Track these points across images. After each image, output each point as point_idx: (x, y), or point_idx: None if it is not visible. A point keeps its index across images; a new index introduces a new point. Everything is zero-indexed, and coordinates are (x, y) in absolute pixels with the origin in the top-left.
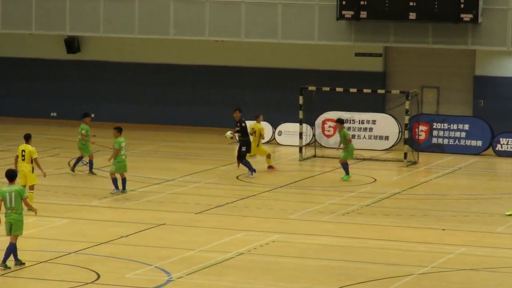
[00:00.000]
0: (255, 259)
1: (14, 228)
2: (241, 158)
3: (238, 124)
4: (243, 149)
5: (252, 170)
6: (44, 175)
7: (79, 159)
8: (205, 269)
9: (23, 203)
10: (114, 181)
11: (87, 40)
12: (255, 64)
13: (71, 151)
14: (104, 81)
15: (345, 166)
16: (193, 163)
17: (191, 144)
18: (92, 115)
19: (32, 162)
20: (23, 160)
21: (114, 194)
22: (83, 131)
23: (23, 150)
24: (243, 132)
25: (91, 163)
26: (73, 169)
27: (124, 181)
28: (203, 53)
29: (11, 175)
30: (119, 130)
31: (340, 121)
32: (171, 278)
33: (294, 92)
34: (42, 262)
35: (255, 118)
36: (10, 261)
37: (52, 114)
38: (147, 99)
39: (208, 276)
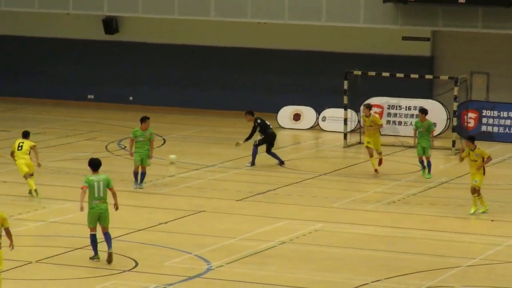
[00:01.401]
0: (297, 248)
1: (104, 219)
2: (268, 151)
3: (255, 124)
4: (258, 142)
5: (252, 162)
6: (39, 165)
7: None
8: (245, 258)
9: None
10: (134, 174)
11: (126, 21)
12: (298, 47)
13: (108, 135)
14: (142, 63)
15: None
16: (233, 148)
17: (232, 129)
18: (130, 98)
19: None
20: (20, 150)
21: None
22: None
23: (21, 142)
24: (262, 128)
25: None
26: None
27: (142, 175)
28: (244, 35)
29: (97, 164)
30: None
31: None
32: (211, 266)
33: (339, 77)
34: (79, 248)
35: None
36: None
37: (89, 96)
38: (185, 82)
39: (248, 265)
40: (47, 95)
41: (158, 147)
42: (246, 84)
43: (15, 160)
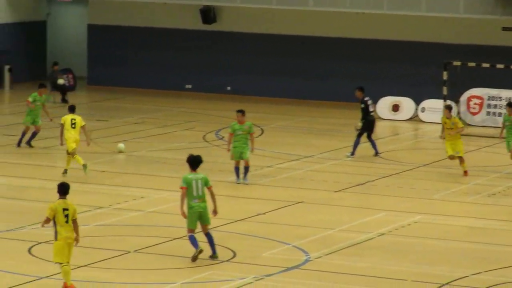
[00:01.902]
0: (396, 240)
1: (205, 218)
2: (359, 135)
3: (362, 101)
4: (360, 130)
5: (352, 152)
6: (88, 144)
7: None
8: (344, 250)
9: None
10: (235, 170)
11: (224, 10)
12: (397, 38)
13: (205, 125)
14: (239, 53)
15: None
16: (332, 139)
17: (330, 119)
18: (228, 88)
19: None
20: (73, 128)
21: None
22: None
23: (73, 119)
24: (365, 110)
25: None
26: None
27: (246, 170)
28: (343, 26)
29: (198, 162)
30: (241, 113)
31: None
32: (309, 258)
33: (438, 67)
34: (177, 238)
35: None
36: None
37: (186, 86)
38: (282, 72)
39: (347, 256)
40: (146, 84)
41: (256, 137)
42: (344, 74)
43: (67, 135)
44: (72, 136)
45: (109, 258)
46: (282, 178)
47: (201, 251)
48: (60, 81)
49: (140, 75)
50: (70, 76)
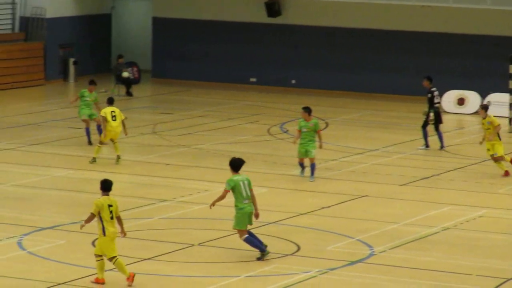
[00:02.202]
0: (460, 234)
1: (251, 219)
2: (424, 126)
3: (429, 90)
4: (427, 120)
5: (426, 144)
6: (126, 134)
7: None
8: (408, 244)
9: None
10: (300, 164)
11: (288, 4)
12: (462, 31)
13: (270, 118)
14: (304, 46)
15: None
16: (396, 132)
17: (394, 113)
18: (293, 81)
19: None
20: (114, 120)
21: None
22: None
23: (113, 111)
24: (430, 100)
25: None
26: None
27: (312, 167)
28: (408, 19)
29: (240, 164)
30: (306, 110)
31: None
32: (373, 252)
33: (504, 61)
34: None
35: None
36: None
37: (251, 79)
38: (348, 66)
39: (411, 250)
40: (210, 78)
41: (321, 130)
42: (410, 68)
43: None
44: (112, 129)
45: (173, 251)
46: (346, 171)
47: (268, 252)
48: (125, 74)
49: (205, 68)
50: (135, 69)
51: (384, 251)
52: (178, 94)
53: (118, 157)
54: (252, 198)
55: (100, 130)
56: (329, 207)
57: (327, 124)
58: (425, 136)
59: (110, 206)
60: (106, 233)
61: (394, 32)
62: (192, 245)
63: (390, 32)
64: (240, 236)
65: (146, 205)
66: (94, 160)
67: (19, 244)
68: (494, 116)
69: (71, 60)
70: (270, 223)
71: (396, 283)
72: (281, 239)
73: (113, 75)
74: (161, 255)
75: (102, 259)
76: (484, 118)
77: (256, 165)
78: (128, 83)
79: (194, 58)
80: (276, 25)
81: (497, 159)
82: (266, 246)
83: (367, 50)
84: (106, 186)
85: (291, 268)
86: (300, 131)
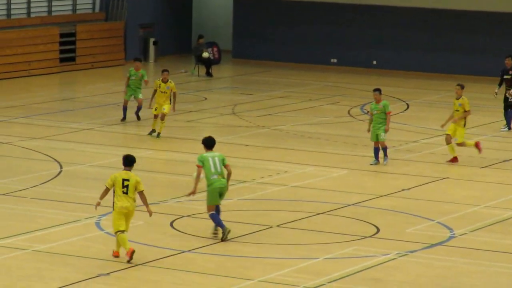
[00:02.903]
0: None
1: (223, 195)
2: (506, 108)
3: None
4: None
5: (509, 126)
6: (174, 111)
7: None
8: (489, 226)
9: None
10: (374, 150)
11: None
12: None
13: (350, 99)
14: (385, 27)
15: None
16: (477, 114)
17: (475, 94)
18: (374, 62)
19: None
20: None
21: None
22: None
23: (167, 87)
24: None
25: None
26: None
27: (384, 151)
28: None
29: (211, 143)
30: (377, 91)
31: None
32: (454, 234)
33: None
34: (320, 213)
35: None
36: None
37: (332, 60)
38: (428, 47)
39: (493, 233)
40: (291, 58)
41: (402, 112)
42: (490, 49)
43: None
44: (160, 104)
45: (252, 233)
46: (427, 153)
47: (229, 231)
48: (205, 55)
49: (285, 49)
50: (215, 49)
51: (465, 233)
52: (258, 74)
53: (158, 134)
54: (228, 174)
55: (124, 109)
56: (409, 189)
57: (408, 106)
58: (509, 118)
59: (125, 180)
60: (114, 207)
61: (475, 12)
62: (271, 227)
63: (470, 12)
64: (208, 211)
65: None
66: (157, 134)
67: (97, 224)
68: None
69: (151, 40)
70: (349, 205)
71: (476, 266)
72: (360, 221)
73: (193, 55)
74: (240, 236)
75: (121, 233)
76: (457, 99)
77: (336, 146)
78: (208, 64)
79: (275, 38)
80: (357, 6)
81: (460, 144)
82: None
83: (447, 31)
84: (126, 161)
85: (370, 250)
86: (372, 113)
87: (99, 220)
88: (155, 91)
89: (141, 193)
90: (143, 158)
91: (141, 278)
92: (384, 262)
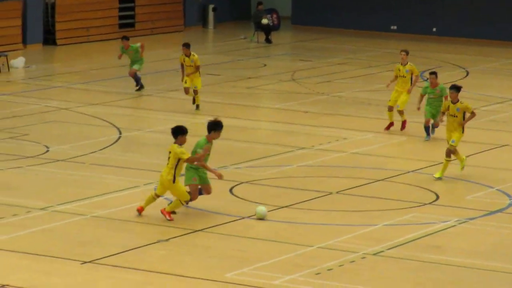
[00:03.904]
0: None
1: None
2: None
3: None
4: None
5: None
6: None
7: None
8: None
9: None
10: (425, 128)
11: None
12: None
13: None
14: None
15: None
16: None
17: None
18: (434, 29)
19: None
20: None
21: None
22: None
23: (192, 60)
24: None
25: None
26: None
27: (433, 127)
28: None
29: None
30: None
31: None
32: None
33: None
34: (379, 180)
35: None
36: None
37: (392, 27)
38: (489, 14)
39: None
40: (350, 25)
41: (461, 79)
42: None
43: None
44: (189, 74)
45: (311, 199)
46: (486, 121)
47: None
48: (264, 21)
49: (345, 15)
50: (275, 16)
51: None
52: (317, 41)
53: (197, 106)
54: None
55: (136, 82)
56: (468, 156)
57: (467, 73)
58: None
59: (170, 152)
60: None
61: None
62: (331, 193)
63: None
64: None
65: (285, 152)
66: (196, 106)
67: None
68: None
69: (211, 6)
70: (408, 172)
71: None
72: (419, 187)
73: (253, 22)
74: (299, 202)
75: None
76: (403, 65)
77: (395, 113)
78: (267, 30)
79: (334, 5)
80: None
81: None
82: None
83: None
84: (171, 133)
85: (429, 217)
86: (423, 95)
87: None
88: (182, 65)
89: (189, 159)
90: (201, 124)
91: (200, 244)
92: (444, 229)
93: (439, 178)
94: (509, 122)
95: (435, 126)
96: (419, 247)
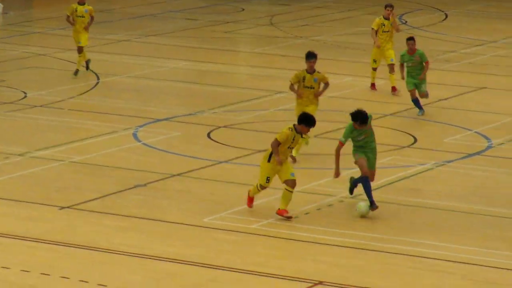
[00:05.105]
0: None
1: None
2: None
3: None
4: None
5: None
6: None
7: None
8: None
9: None
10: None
11: None
12: None
13: None
14: None
15: None
16: None
17: None
18: None
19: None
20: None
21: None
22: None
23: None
24: None
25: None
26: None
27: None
28: None
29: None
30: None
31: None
32: (492, 144)
33: None
34: None
35: None
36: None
37: None
38: None
39: None
40: None
41: (440, 22)
42: None
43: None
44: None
45: None
46: (465, 63)
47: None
48: None
49: None
50: None
51: (502, 143)
52: None
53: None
54: None
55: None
56: (447, 99)
57: (446, 15)
58: None
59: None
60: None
61: None
62: (309, 137)
63: None
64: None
65: (263, 96)
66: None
67: (135, 135)
68: None
69: None
70: (387, 115)
71: None
72: (398, 131)
73: None
74: None
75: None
76: (387, 19)
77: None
78: None
79: None
80: None
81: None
82: None
83: None
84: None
85: (407, 160)
86: (403, 65)
87: (136, 131)
88: (68, 16)
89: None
90: (179, 69)
91: (178, 189)
92: (422, 172)
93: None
94: (488, 64)
95: (422, 96)
96: (397, 190)
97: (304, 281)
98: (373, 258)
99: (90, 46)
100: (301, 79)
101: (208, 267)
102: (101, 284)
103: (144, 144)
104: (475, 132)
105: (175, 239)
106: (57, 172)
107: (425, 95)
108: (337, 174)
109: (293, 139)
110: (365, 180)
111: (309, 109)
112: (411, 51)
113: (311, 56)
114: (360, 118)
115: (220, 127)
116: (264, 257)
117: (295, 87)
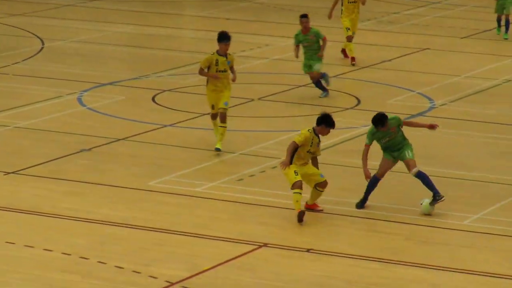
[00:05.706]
0: None
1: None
2: None
3: None
4: None
5: None
6: None
7: None
8: (470, 96)
9: None
10: (315, 83)
11: None
12: None
13: None
14: None
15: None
16: None
17: None
18: None
19: None
20: None
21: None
22: None
23: None
24: None
25: None
26: None
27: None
28: None
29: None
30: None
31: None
32: (434, 105)
33: None
34: (301, 86)
35: None
36: None
37: None
38: None
39: (473, 103)
40: None
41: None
42: None
43: None
44: None
45: (234, 106)
46: (409, 24)
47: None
48: None
49: None
50: None
51: (445, 104)
52: None
53: None
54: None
55: None
56: (390, 60)
57: None
58: None
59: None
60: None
61: None
62: (253, 100)
63: None
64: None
65: None
66: None
67: (79, 100)
68: None
69: None
70: (331, 77)
71: (457, 136)
72: (341, 92)
73: None
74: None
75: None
76: (307, 31)
77: (317, 19)
78: None
79: None
80: None
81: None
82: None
83: None
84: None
85: (351, 121)
86: (298, 46)
87: (81, 96)
88: None
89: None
90: (124, 33)
91: (123, 153)
92: (365, 134)
93: (218, 149)
94: (431, 25)
95: (315, 76)
96: (340, 152)
97: (248, 243)
98: (318, 219)
99: (35, 10)
100: (214, 63)
101: (153, 230)
102: (46, 249)
103: (89, 108)
104: (418, 93)
105: (120, 203)
106: (2, 138)
107: (318, 75)
108: (367, 176)
109: (312, 142)
110: (373, 180)
111: (224, 95)
112: (305, 29)
113: (226, 38)
114: (374, 121)
115: (164, 90)
116: (209, 220)
117: (206, 71)
